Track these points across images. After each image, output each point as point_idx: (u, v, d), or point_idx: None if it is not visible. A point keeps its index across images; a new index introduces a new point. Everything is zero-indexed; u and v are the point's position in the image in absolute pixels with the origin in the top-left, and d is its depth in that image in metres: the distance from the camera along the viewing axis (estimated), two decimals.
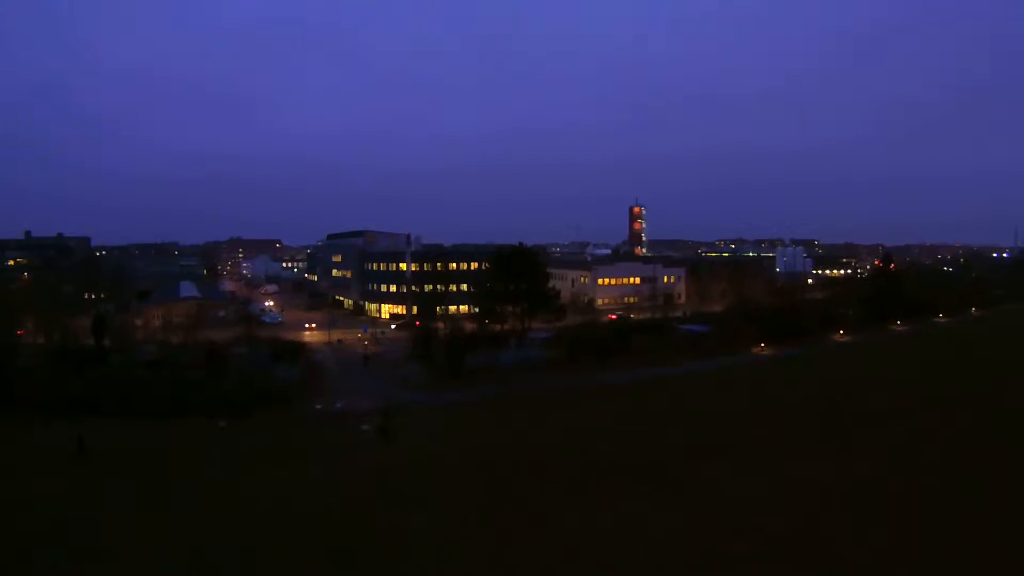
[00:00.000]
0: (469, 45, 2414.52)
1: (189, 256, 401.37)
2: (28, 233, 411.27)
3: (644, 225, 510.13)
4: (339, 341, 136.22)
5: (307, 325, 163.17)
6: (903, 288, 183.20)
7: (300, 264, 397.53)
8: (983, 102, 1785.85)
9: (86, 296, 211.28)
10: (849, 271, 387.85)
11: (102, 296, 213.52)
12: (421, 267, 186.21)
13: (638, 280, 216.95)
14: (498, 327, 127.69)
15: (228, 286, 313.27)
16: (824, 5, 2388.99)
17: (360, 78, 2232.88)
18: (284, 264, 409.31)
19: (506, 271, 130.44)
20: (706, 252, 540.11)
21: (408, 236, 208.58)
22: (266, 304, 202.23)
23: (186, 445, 69.91)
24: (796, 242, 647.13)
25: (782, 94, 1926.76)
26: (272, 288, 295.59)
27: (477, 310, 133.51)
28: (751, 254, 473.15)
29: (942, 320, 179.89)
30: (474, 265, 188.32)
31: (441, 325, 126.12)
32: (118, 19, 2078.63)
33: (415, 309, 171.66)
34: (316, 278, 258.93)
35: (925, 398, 78.75)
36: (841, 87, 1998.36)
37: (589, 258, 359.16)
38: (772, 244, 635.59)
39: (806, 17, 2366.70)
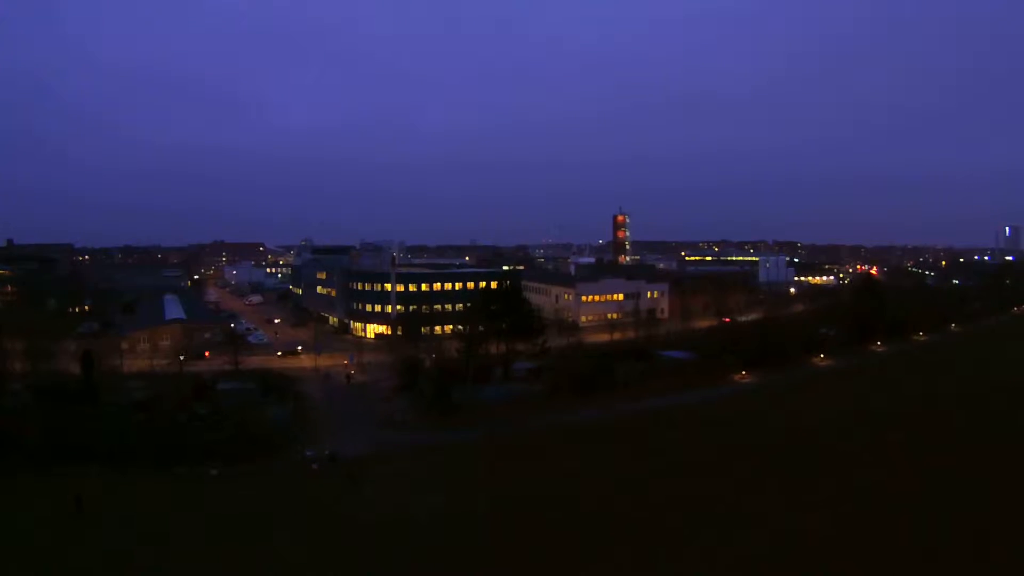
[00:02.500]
0: (454, 43, 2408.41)
1: (172, 268, 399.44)
2: (11, 241, 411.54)
3: (628, 234, 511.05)
4: (327, 375, 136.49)
5: (298, 349, 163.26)
6: (885, 307, 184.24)
7: (284, 270, 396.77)
8: (969, 102, 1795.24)
9: (71, 309, 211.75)
10: (831, 278, 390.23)
11: (87, 309, 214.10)
12: (406, 287, 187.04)
13: (621, 296, 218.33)
14: (483, 351, 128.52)
15: (213, 295, 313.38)
16: (808, 6, 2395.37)
17: (343, 75, 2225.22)
18: (268, 270, 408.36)
19: (491, 305, 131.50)
20: (690, 255, 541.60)
21: (393, 257, 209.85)
22: (252, 326, 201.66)
23: (182, 501, 70.23)
24: (779, 244, 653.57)
25: (767, 94, 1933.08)
26: (257, 299, 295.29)
27: (462, 335, 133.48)
28: (734, 258, 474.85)
29: (922, 338, 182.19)
30: (458, 285, 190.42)
31: (426, 355, 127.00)
32: (100, 13, 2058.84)
33: (400, 329, 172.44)
34: (300, 291, 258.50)
35: (894, 439, 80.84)
36: (825, 88, 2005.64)
37: (572, 268, 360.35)
38: (756, 247, 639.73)
39: (790, 17, 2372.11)
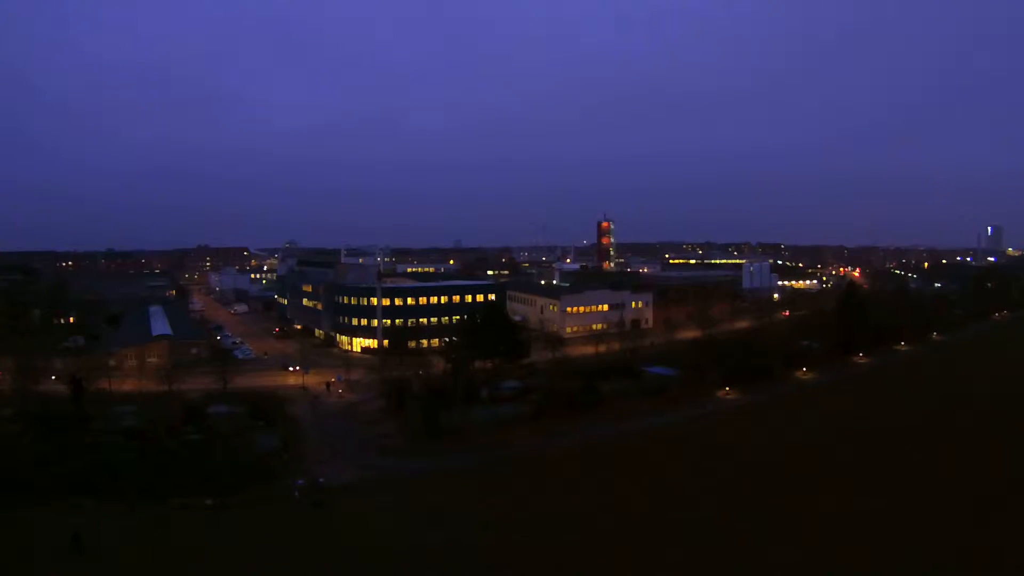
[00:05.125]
0: (439, 43, 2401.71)
1: (156, 276, 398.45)
2: None
3: (612, 240, 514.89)
4: (316, 398, 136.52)
5: (287, 368, 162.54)
6: (867, 318, 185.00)
7: (269, 275, 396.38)
8: (951, 104, 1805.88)
9: (56, 321, 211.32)
10: (814, 281, 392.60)
11: (71, 321, 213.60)
12: (392, 302, 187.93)
13: (606, 307, 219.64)
14: (470, 370, 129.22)
15: (198, 304, 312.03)
16: (793, 5, 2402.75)
17: (329, 74, 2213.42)
18: (252, 276, 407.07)
19: (478, 330, 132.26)
20: (673, 258, 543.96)
21: (379, 270, 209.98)
22: (239, 339, 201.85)
23: (180, 535, 70.88)
24: (763, 245, 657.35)
25: (750, 95, 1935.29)
26: (242, 308, 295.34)
27: (448, 357, 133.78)
28: (718, 261, 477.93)
29: (904, 348, 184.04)
30: (444, 299, 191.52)
31: (413, 373, 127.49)
32: (82, 4, 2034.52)
33: (387, 343, 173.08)
34: (286, 302, 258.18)
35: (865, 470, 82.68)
36: (809, 88, 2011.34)
37: (557, 275, 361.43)
38: (739, 248, 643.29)
39: (773, 17, 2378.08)
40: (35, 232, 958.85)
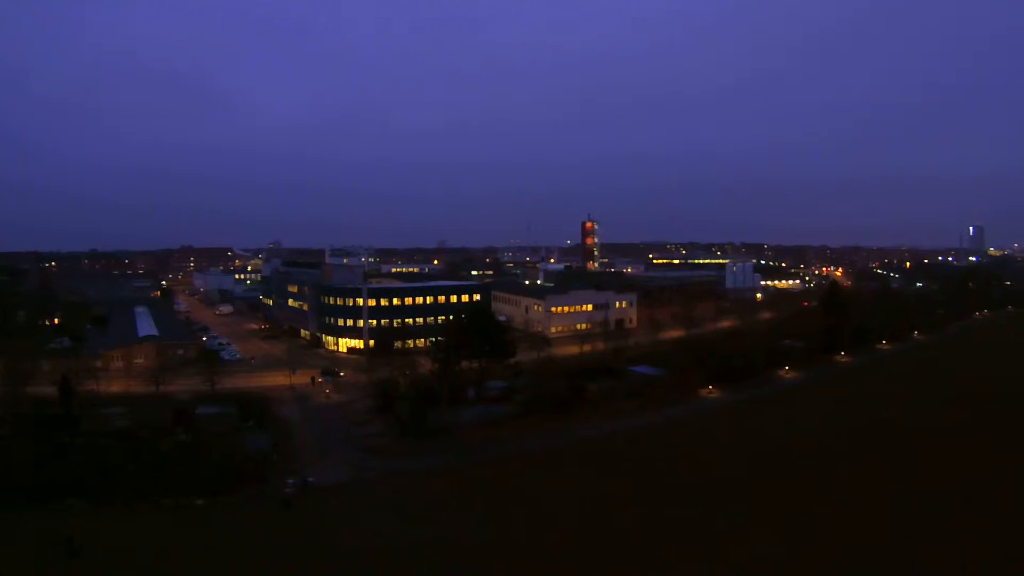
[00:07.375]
0: (426, 43, 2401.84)
1: (141, 277, 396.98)
2: None
3: (597, 240, 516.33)
4: (303, 397, 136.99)
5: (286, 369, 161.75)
6: (850, 318, 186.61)
7: (253, 276, 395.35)
8: (935, 108, 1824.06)
9: (42, 322, 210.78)
10: (797, 281, 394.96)
11: (56, 323, 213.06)
12: (378, 302, 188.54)
13: (591, 307, 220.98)
14: (457, 370, 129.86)
15: (182, 305, 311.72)
16: (781, 8, 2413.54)
17: (317, 72, 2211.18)
18: (236, 276, 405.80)
19: (464, 330, 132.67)
20: (657, 258, 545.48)
21: (365, 273, 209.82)
22: (225, 340, 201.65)
23: (173, 536, 71.47)
24: (746, 245, 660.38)
25: (734, 97, 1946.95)
26: (227, 308, 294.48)
27: (435, 358, 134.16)
28: (702, 261, 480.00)
29: (886, 347, 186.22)
30: (430, 299, 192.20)
31: (400, 374, 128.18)
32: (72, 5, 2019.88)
33: (373, 343, 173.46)
34: (271, 303, 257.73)
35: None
36: (793, 91, 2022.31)
37: (541, 275, 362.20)
38: (723, 248, 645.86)
39: (757, 21, 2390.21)
40: (18, 232, 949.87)
